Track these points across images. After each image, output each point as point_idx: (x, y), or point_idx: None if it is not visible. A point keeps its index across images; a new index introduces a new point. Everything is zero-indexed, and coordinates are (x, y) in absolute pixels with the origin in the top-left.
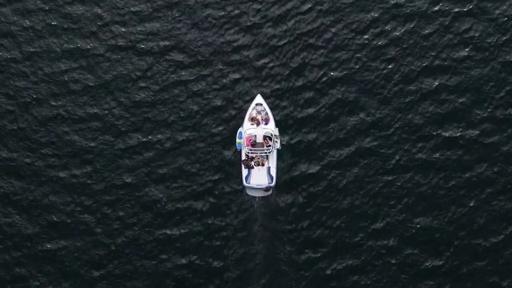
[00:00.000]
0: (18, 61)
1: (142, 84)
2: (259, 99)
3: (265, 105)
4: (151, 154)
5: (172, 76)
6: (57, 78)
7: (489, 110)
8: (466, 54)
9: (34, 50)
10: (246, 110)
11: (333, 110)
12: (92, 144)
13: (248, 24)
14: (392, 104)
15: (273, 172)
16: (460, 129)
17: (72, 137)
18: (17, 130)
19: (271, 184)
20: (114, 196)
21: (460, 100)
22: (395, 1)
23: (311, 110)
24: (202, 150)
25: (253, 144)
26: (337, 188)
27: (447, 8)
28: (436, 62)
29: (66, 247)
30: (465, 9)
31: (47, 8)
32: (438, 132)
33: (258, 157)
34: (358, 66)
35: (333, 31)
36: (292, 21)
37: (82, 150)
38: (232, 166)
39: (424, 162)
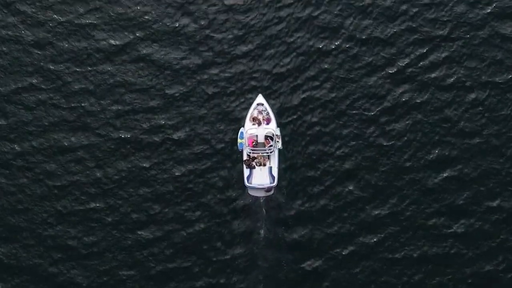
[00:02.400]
0: (20, 154)
1: (147, 174)
2: (260, 99)
3: (266, 105)
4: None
5: (174, 169)
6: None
7: (498, 201)
8: (479, 125)
9: (35, 144)
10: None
11: (338, 187)
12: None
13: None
14: (400, 183)
15: (275, 172)
16: (466, 220)
17: (76, 234)
18: (22, 209)
19: (273, 184)
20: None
21: (471, 175)
22: (403, 76)
23: (316, 188)
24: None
25: (255, 144)
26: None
27: (459, 78)
28: (447, 138)
29: None
30: (481, 80)
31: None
32: (445, 222)
33: (260, 157)
34: (366, 143)
35: (341, 107)
36: (299, 97)
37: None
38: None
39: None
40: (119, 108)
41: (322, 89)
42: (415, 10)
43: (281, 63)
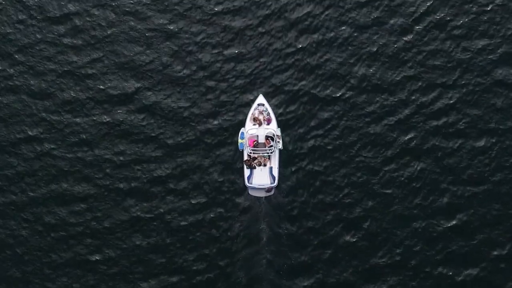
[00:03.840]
0: (20, 208)
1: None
2: (261, 99)
3: (267, 105)
4: None
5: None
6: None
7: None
8: (485, 173)
9: (33, 195)
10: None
11: (343, 236)
12: None
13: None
14: (406, 232)
15: (275, 172)
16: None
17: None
18: (22, 261)
19: (273, 185)
20: None
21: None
22: (409, 136)
23: (319, 237)
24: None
25: (256, 144)
26: None
27: (464, 126)
28: (452, 199)
29: None
30: (486, 128)
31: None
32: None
33: (260, 157)
34: (370, 191)
35: (346, 156)
36: (304, 146)
37: None
38: None
39: None
40: (120, 158)
41: (327, 137)
42: (419, 57)
43: (286, 111)
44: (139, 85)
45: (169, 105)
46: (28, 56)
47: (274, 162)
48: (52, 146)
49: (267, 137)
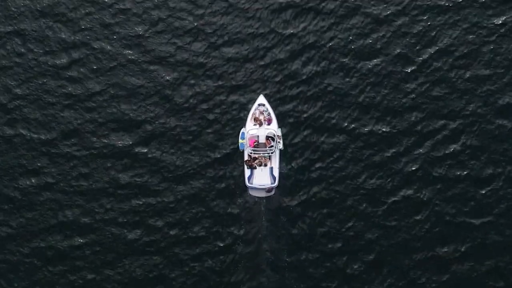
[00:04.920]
0: (19, 242)
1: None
2: (261, 99)
3: (267, 105)
4: None
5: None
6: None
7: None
8: (483, 221)
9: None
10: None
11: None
12: None
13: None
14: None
15: (276, 172)
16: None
17: None
18: None
19: (274, 185)
20: None
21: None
22: (413, 167)
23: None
24: None
25: (256, 145)
26: None
27: (468, 172)
28: (456, 230)
29: None
30: (490, 174)
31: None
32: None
33: (261, 157)
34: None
35: (346, 204)
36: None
37: None
38: None
39: None
40: (121, 191)
41: (331, 169)
42: (423, 87)
43: (291, 143)
44: (140, 116)
45: (172, 136)
46: (27, 90)
47: (275, 162)
48: (51, 180)
49: (267, 137)
